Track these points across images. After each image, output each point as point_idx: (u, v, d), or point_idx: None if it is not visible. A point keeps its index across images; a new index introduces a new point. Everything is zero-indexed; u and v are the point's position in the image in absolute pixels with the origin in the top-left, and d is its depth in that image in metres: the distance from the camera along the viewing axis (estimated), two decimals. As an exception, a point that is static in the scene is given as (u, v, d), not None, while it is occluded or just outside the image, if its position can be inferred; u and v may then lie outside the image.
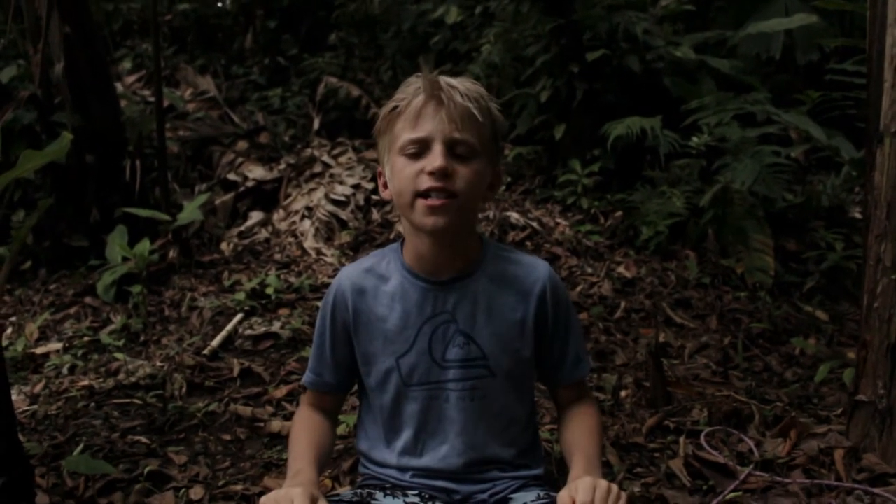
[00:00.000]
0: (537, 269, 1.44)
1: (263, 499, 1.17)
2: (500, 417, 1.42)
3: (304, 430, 1.45)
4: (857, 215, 3.93)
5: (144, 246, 3.53)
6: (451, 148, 1.30)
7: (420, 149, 1.30)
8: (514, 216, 4.00)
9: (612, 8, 4.27)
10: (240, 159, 5.12)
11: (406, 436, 1.42)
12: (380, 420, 1.45)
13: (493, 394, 1.41)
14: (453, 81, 1.33)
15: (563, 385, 1.50)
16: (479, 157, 1.33)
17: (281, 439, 2.30)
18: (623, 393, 2.51)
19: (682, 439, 2.13)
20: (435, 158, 1.28)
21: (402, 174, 1.31)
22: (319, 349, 1.49)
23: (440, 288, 1.40)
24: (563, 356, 1.46)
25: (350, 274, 1.46)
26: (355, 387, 1.54)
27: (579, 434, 1.43)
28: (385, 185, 1.41)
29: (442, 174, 1.27)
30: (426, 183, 1.28)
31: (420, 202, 1.30)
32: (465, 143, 1.31)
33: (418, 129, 1.30)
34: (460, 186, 1.30)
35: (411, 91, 1.33)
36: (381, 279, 1.43)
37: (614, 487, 1.18)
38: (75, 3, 4.03)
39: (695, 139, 3.65)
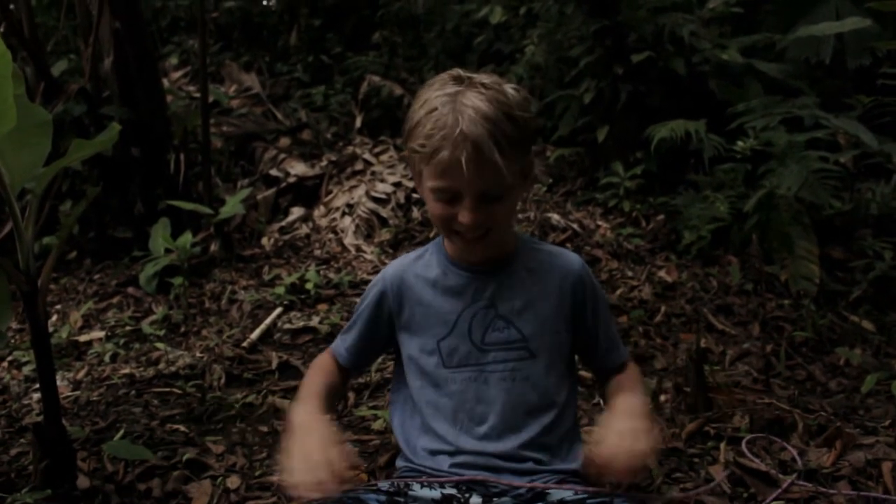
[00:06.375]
0: (568, 256, 1.53)
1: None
2: (541, 400, 1.43)
3: (320, 372, 1.57)
4: (908, 224, 3.83)
5: (187, 238, 3.59)
6: (481, 198, 1.30)
7: (450, 197, 1.32)
8: (554, 218, 3.97)
9: (657, 10, 4.21)
10: (282, 155, 5.17)
11: (446, 419, 1.43)
12: (420, 407, 1.47)
13: (535, 376, 1.43)
14: (480, 119, 1.25)
15: (617, 364, 1.56)
16: (510, 191, 1.34)
17: (317, 432, 2.31)
18: (662, 397, 2.48)
19: (722, 445, 2.09)
20: (465, 214, 1.31)
21: (434, 211, 1.37)
22: (349, 330, 1.60)
23: (480, 276, 1.46)
24: (609, 338, 1.54)
25: (395, 267, 1.56)
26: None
27: (618, 382, 1.52)
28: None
29: (474, 226, 1.32)
30: (460, 228, 1.34)
31: (457, 237, 1.38)
32: (494, 190, 1.31)
33: (446, 180, 1.29)
34: (494, 222, 1.35)
35: (437, 138, 1.26)
36: (425, 268, 1.51)
37: (640, 443, 1.24)
38: (125, 0, 4.10)
39: (740, 143, 3.58)
